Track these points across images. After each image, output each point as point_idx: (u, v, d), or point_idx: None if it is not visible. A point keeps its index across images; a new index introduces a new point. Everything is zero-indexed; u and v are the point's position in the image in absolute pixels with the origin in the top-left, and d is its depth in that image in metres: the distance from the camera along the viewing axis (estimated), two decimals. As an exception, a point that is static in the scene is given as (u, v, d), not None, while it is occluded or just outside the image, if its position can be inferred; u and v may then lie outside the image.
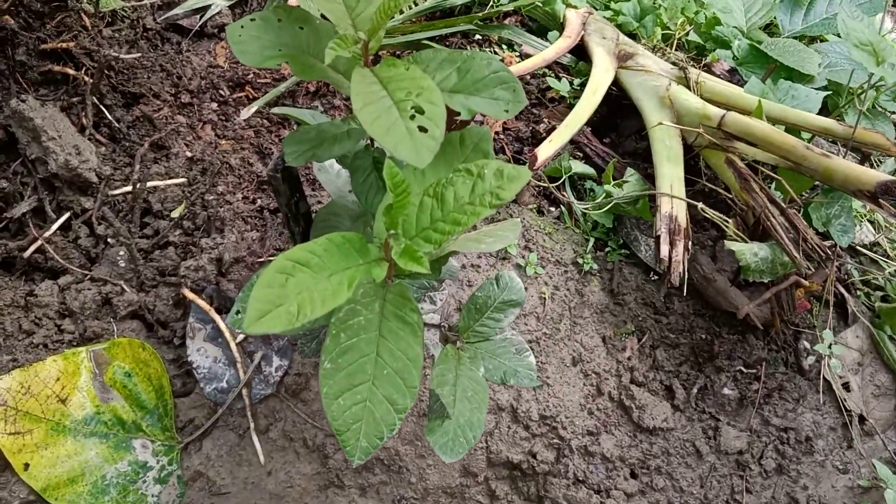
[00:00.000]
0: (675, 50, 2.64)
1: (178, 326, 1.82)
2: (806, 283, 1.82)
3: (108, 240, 1.91)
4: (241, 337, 1.76)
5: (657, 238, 1.76)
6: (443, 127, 0.84)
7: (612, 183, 2.04)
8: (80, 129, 2.00)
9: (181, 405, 1.75)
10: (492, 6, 2.78)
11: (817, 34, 2.77)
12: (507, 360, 1.25)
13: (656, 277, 2.05)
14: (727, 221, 1.82)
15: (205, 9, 2.62)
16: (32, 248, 1.86)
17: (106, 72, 2.05)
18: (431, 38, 2.61)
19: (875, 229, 2.38)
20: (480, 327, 1.24)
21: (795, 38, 2.74)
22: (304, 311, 0.80)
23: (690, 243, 1.76)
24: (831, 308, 2.04)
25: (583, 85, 2.47)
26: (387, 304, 0.96)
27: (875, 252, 2.31)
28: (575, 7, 2.89)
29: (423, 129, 0.83)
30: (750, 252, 1.74)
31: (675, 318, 2.01)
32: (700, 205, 1.83)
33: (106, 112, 2.04)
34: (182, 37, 2.53)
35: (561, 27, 2.84)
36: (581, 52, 2.71)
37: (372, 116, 0.84)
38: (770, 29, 2.92)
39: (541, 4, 2.88)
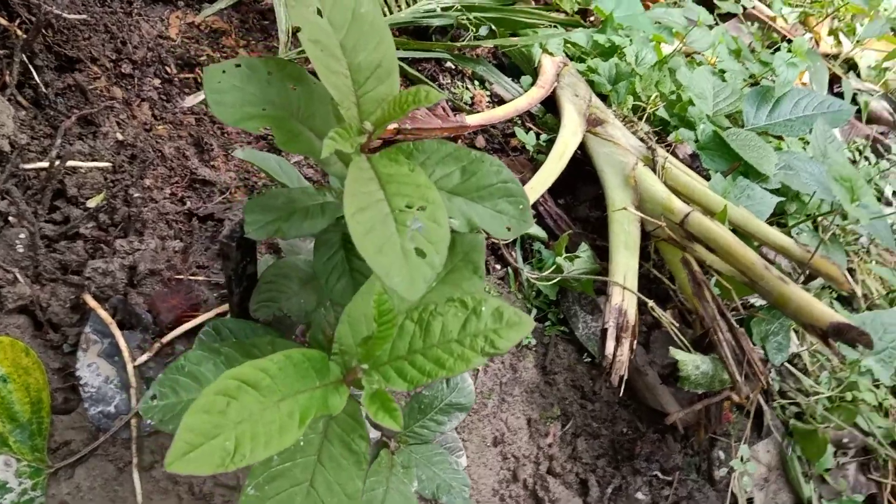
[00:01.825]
0: (643, 121, 2.60)
1: (71, 332, 1.62)
2: (736, 398, 1.79)
3: (9, 218, 1.69)
4: (142, 359, 1.58)
5: (604, 331, 1.69)
6: (444, 254, 0.72)
7: (564, 256, 1.97)
8: (1, 87, 1.76)
9: (58, 423, 1.55)
10: (469, 39, 2.66)
11: (779, 133, 2.79)
12: (441, 471, 1.13)
13: (589, 359, 1.99)
14: (674, 324, 1.77)
15: (165, -29, 2.39)
16: (-85, 212, 1.62)
17: (43, 30, 1.81)
18: (403, 60, 2.47)
19: (799, 341, 2.41)
20: (420, 429, 1.13)
21: (758, 133, 2.75)
22: (241, 450, 0.66)
23: (636, 342, 1.70)
24: (750, 420, 2.03)
25: (549, 142, 2.39)
26: (332, 424, 0.83)
27: (795, 366, 2.34)
28: (551, 54, 2.81)
29: (420, 253, 0.71)
30: (693, 364, 1.70)
31: (600, 406, 1.95)
32: (651, 303, 1.78)
33: (34, 73, 1.80)
34: (133, -3, 2.30)
35: (534, 72, 2.76)
36: (551, 103, 2.63)
37: (364, 227, 0.71)
38: (735, 118, 2.93)
39: (519, 48, 2.80)
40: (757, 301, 2.10)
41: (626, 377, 1.66)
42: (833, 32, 4.55)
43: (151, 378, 1.59)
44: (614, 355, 1.65)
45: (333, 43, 0.78)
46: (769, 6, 4.35)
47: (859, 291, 2.65)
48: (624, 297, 1.76)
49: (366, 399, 0.71)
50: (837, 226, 1.89)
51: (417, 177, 0.76)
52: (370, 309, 0.83)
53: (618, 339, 1.67)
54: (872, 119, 4.04)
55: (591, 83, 2.74)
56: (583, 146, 2.35)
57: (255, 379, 0.70)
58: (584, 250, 2.01)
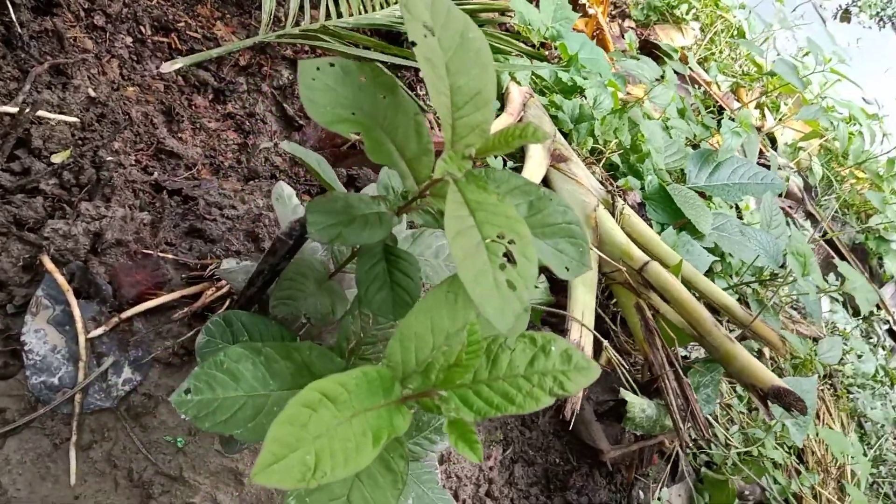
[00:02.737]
0: (600, 165, 2.70)
1: (18, 292, 1.51)
2: (667, 443, 1.88)
3: (-38, 160, 1.56)
4: (96, 332, 1.49)
5: (562, 365, 1.73)
6: (532, 290, 0.73)
7: (523, 284, 2.00)
8: (-31, 17, 1.63)
9: (-7, 389, 1.44)
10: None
11: (716, 195, 2.96)
12: (430, 491, 1.13)
13: (532, 389, 2.03)
14: (624, 366, 1.84)
15: (148, -76, 2.27)
16: None
17: (27, -36, 1.69)
18: (383, 64, 2.45)
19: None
20: (414, 446, 1.12)
21: (697, 191, 2.90)
22: (322, 467, 0.65)
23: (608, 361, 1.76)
24: (669, 465, 2.13)
25: (515, 169, 2.44)
26: (372, 440, 0.82)
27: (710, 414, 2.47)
28: (518, 83, 2.87)
29: (511, 286, 0.72)
30: (640, 407, 1.77)
31: (536, 434, 2.00)
32: (606, 343, 1.84)
33: (10, 9, 1.67)
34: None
35: (501, 98, 2.80)
36: (515, 130, 2.68)
37: (462, 252, 0.71)
38: (676, 175, 3.07)
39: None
40: (692, 352, 2.21)
41: (576, 412, 1.71)
42: (760, 107, 4.87)
43: (104, 353, 1.50)
44: (571, 390, 1.69)
45: (440, 63, 0.78)
46: (706, 71, 4.61)
47: (767, 354, 2.84)
48: (581, 333, 1.81)
49: (447, 427, 0.71)
50: (773, 293, 2.03)
51: (506, 208, 0.77)
52: (423, 328, 0.83)
53: (575, 375, 1.71)
54: (785, 194, 4.34)
55: (554, 118, 2.81)
56: (546, 181, 2.41)
57: (334, 393, 0.68)
58: (541, 281, 2.05)
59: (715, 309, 1.98)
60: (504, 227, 0.75)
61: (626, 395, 1.78)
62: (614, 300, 2.20)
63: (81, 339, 1.48)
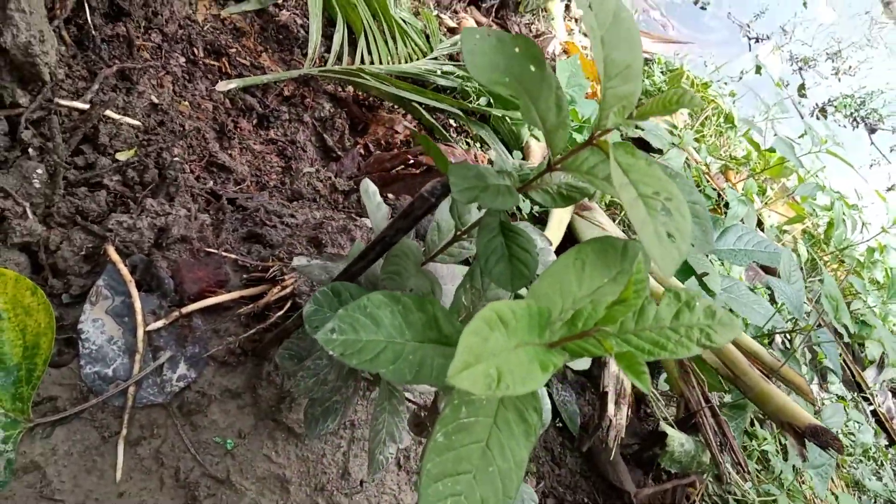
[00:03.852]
0: (619, 216, 2.78)
1: (76, 282, 1.50)
2: (698, 485, 1.88)
3: (29, 150, 1.57)
4: (154, 325, 1.48)
5: (604, 394, 1.75)
6: (689, 245, 0.77)
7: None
8: (50, 17, 1.67)
9: (45, 377, 1.41)
10: (470, 101, 2.79)
11: (723, 259, 3.05)
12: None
13: (560, 424, 2.04)
14: (660, 401, 1.86)
15: (203, -41, 2.37)
16: (-70, 117, 1.47)
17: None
18: (421, 105, 2.54)
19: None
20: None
21: (705, 254, 2.99)
22: (504, 381, 0.67)
23: (630, 410, 1.77)
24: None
25: (542, 213, 2.50)
26: (508, 391, 0.83)
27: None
28: (537, 139, 2.98)
29: (671, 237, 0.76)
30: (678, 441, 1.79)
31: (565, 472, 1.99)
32: (643, 377, 1.87)
33: (87, 12, 1.72)
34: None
35: (521, 150, 2.90)
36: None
37: (627, 201, 0.75)
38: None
39: (509, 122, 2.94)
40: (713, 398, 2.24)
41: (618, 441, 1.72)
42: (747, 192, 5.07)
43: (160, 347, 1.48)
44: (614, 417, 1.71)
45: (597, 36, 0.84)
46: (697, 151, 4.81)
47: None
48: (619, 368, 1.84)
49: (617, 358, 0.73)
50: (803, 337, 2.09)
51: (656, 170, 0.81)
52: (553, 291, 0.86)
53: (617, 403, 1.73)
54: (770, 270, 4.48)
55: (572, 173, 2.91)
56: (570, 226, 2.47)
57: (506, 317, 0.70)
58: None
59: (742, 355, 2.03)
60: (657, 187, 0.80)
61: (666, 428, 1.80)
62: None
63: (140, 331, 1.46)
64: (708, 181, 4.32)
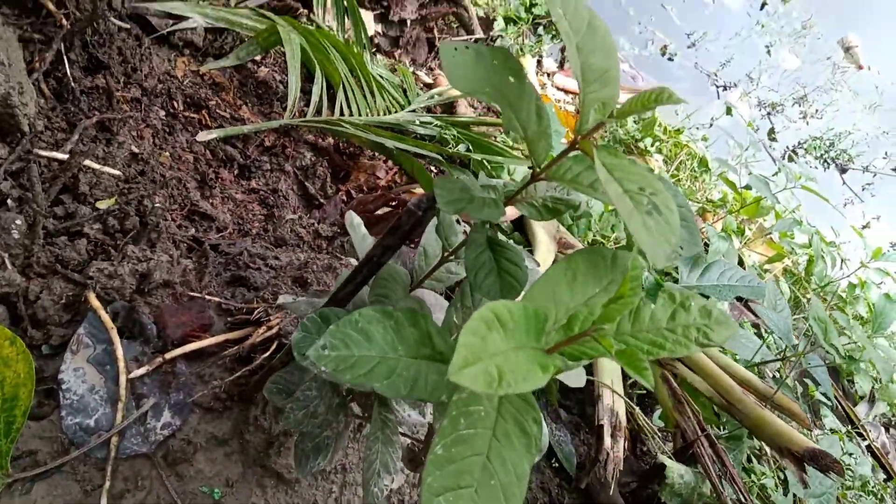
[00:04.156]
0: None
1: (56, 332, 1.46)
2: (698, 518, 1.84)
3: (8, 202, 1.55)
4: (137, 372, 1.44)
5: (599, 427, 1.72)
6: (678, 237, 0.77)
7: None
8: (29, 69, 1.68)
9: (25, 430, 1.36)
10: (449, 147, 2.82)
11: (707, 294, 3.06)
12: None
13: (557, 464, 1.99)
14: (657, 434, 1.83)
15: (180, 18, 2.41)
16: None
17: (91, 24, 1.77)
18: (407, 151, 2.56)
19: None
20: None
21: (688, 289, 2.99)
22: (505, 379, 0.65)
23: (626, 443, 1.74)
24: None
25: (529, 250, 2.50)
26: (505, 402, 0.81)
27: None
28: (516, 181, 3.00)
29: (660, 228, 0.76)
30: (678, 472, 1.75)
31: (564, 512, 1.94)
32: (637, 410, 1.84)
33: (67, 66, 1.73)
34: (144, 33, 2.27)
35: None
36: (519, 223, 2.78)
37: (614, 196, 0.75)
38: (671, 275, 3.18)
39: (489, 166, 2.97)
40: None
41: (616, 476, 1.68)
42: (726, 229, 5.12)
43: (144, 395, 1.44)
44: (611, 450, 1.67)
45: (572, 43, 0.85)
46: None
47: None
48: (614, 399, 1.81)
49: (617, 355, 0.71)
50: (794, 369, 2.08)
51: (640, 168, 0.81)
52: (546, 300, 0.85)
53: (613, 436, 1.70)
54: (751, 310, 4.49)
55: (554, 214, 2.93)
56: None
57: (504, 318, 0.69)
58: (564, 355, 2.06)
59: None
60: (642, 183, 0.80)
61: (665, 460, 1.76)
62: (631, 380, 2.21)
63: (122, 378, 1.42)
64: (687, 223, 4.37)
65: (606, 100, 0.86)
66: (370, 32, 3.62)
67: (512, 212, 2.74)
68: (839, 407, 4.11)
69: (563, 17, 0.85)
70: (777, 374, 2.68)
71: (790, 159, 6.95)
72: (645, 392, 2.18)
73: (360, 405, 1.21)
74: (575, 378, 1.02)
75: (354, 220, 1.29)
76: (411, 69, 3.85)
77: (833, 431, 3.36)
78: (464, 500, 0.74)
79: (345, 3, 2.98)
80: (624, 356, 0.70)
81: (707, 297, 3.16)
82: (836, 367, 4.81)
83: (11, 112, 1.55)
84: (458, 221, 1.11)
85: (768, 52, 7.37)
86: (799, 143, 7.05)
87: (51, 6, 1.69)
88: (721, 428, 2.12)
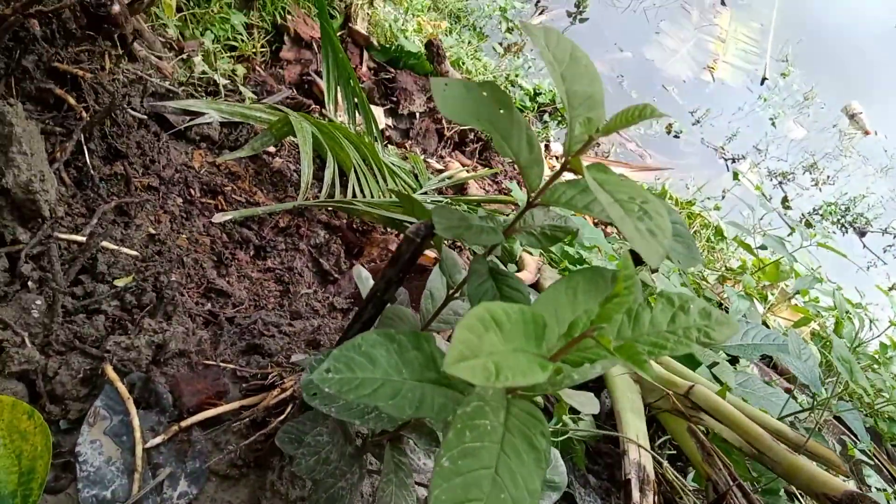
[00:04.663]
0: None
1: (74, 407, 1.47)
2: (740, 579, 1.75)
3: (29, 283, 1.60)
4: (153, 441, 1.43)
5: (626, 481, 1.67)
6: (670, 240, 0.78)
7: (569, 416, 1.98)
8: (50, 159, 1.76)
9: (42, 503, 1.35)
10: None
11: (734, 354, 3.01)
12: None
13: (587, 530, 1.93)
14: (687, 490, 1.77)
15: (197, 114, 2.52)
16: (-68, 257, 1.51)
17: (109, 115, 1.86)
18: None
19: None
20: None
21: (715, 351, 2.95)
22: (504, 374, 0.65)
23: (656, 498, 1.68)
24: None
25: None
26: (511, 417, 0.81)
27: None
28: (530, 253, 3.03)
29: (651, 233, 0.77)
30: (712, 526, 1.68)
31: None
32: (665, 463, 1.79)
33: (87, 155, 1.81)
34: (162, 129, 2.37)
35: (516, 264, 2.95)
36: (534, 289, 2.79)
37: (606, 203, 0.77)
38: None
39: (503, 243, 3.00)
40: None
41: (647, 531, 1.62)
42: (746, 288, 5.06)
43: (160, 464, 1.43)
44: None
45: (557, 73, 0.89)
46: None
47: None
48: (640, 453, 1.77)
49: (616, 351, 0.71)
50: (824, 411, 2.02)
51: (630, 183, 0.84)
52: (549, 314, 0.86)
53: (642, 490, 1.65)
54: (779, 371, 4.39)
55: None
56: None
57: (500, 318, 0.70)
58: (585, 414, 2.03)
59: (764, 435, 1.95)
60: (633, 194, 0.82)
61: (696, 512, 1.70)
62: (659, 440, 2.16)
63: (139, 448, 1.42)
64: (706, 289, 4.34)
65: (592, 117, 0.89)
66: (381, 125, 3.76)
67: (528, 277, 2.76)
68: (883, 469, 3.95)
69: (546, 49, 0.89)
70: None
71: (808, 225, 6.93)
72: (674, 452, 2.12)
73: (375, 455, 1.20)
74: (588, 404, 1.01)
75: (362, 273, 1.31)
76: (422, 157, 3.96)
77: (879, 490, 3.22)
78: (474, 514, 0.73)
79: (355, 100, 3.10)
80: (622, 351, 0.70)
81: (736, 359, 3.12)
82: (876, 430, 4.65)
83: (33, 198, 1.62)
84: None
85: (773, 123, 7.49)
86: (814, 210, 7.05)
87: (71, 100, 1.79)
88: (755, 484, 2.04)
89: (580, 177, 0.92)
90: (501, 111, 0.93)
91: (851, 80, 8.25)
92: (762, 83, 7.71)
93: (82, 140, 1.80)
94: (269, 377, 1.53)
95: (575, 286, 0.90)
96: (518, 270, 2.83)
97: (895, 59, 8.63)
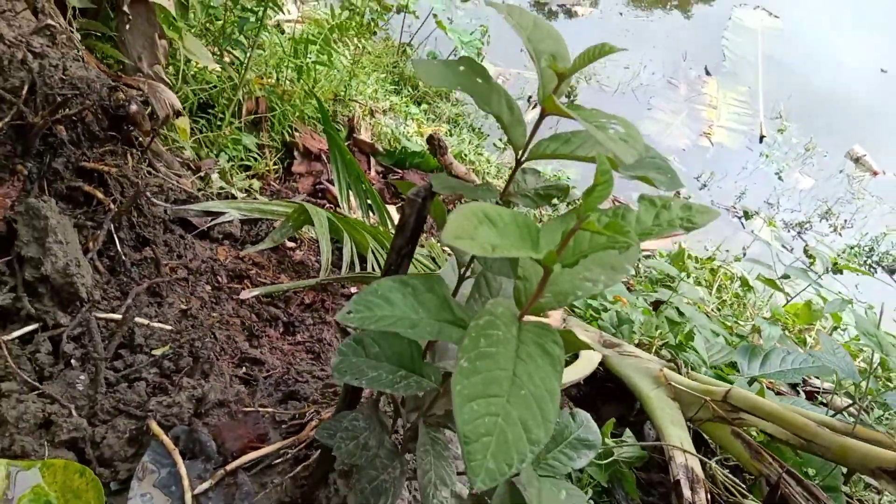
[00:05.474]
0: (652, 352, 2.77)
1: (122, 468, 1.52)
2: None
3: (72, 361, 1.68)
4: (201, 488, 1.46)
5: (676, 483, 1.65)
6: (643, 144, 0.85)
7: (613, 440, 1.97)
8: (84, 250, 1.88)
9: (97, 559, 1.37)
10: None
11: (773, 379, 2.97)
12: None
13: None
14: (740, 486, 1.74)
15: (218, 214, 2.67)
16: (-19, 346, 1.61)
17: (133, 206, 2.00)
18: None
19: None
20: (553, 461, 1.09)
21: (753, 379, 2.92)
22: (499, 250, 0.71)
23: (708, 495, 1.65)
24: None
25: (572, 357, 2.51)
26: (523, 330, 0.86)
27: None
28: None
29: (623, 140, 0.85)
30: (771, 516, 1.64)
31: None
32: (712, 462, 1.77)
33: (117, 244, 1.94)
34: (186, 231, 2.51)
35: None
36: (564, 341, 2.81)
37: (584, 125, 0.85)
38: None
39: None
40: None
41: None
42: (774, 314, 4.97)
43: (209, 509, 1.45)
44: (693, 502, 1.59)
45: (524, 36, 1.00)
46: (721, 316, 4.82)
47: None
48: (686, 457, 1.75)
49: (604, 228, 0.76)
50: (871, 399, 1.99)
51: (604, 113, 0.92)
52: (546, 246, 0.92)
53: (692, 489, 1.63)
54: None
55: (592, 321, 2.97)
56: (604, 364, 2.47)
57: (493, 216, 0.76)
58: (628, 435, 2.02)
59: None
60: (604, 119, 0.90)
61: (753, 504, 1.66)
62: (704, 448, 2.13)
63: (188, 496, 1.45)
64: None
65: (555, 54, 0.99)
66: (395, 220, 3.89)
67: (555, 323, 2.78)
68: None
69: (510, 18, 1.00)
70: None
71: (835, 272, 6.88)
72: (721, 458, 2.08)
73: (412, 451, 1.22)
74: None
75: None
76: (438, 244, 4.08)
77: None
78: (496, 408, 0.77)
79: (368, 200, 3.24)
80: (610, 227, 0.76)
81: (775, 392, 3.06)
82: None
83: (71, 281, 1.73)
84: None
85: (780, 177, 7.60)
86: (839, 255, 7.03)
87: (99, 195, 1.94)
88: (811, 479, 1.98)
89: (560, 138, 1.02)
90: (479, 80, 1.03)
91: (848, 125, 8.41)
92: (761, 141, 7.89)
93: (112, 230, 1.92)
94: (307, 416, 1.57)
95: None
96: (544, 323, 2.87)
97: (888, 99, 8.82)
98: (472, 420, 0.75)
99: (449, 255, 3.91)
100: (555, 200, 1.04)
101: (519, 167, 1.05)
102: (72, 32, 2.10)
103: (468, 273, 1.17)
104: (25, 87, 1.77)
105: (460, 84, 1.01)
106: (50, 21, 1.88)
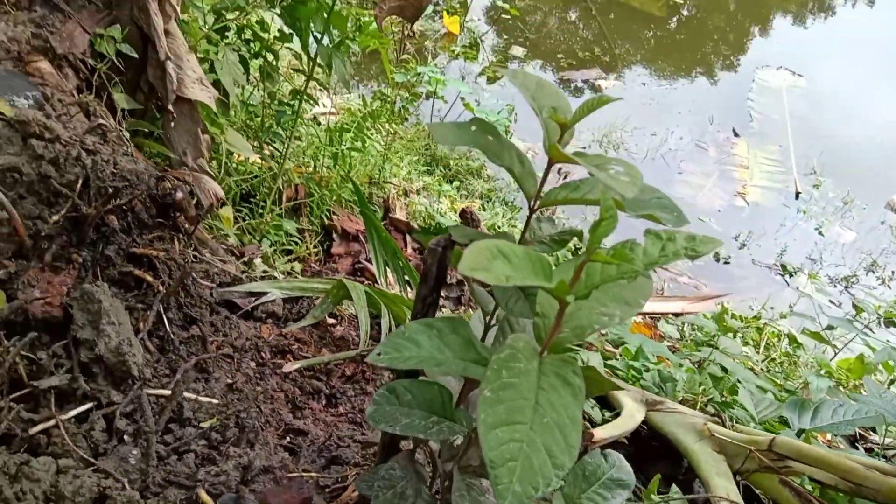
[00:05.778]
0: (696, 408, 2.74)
1: (174, 538, 1.56)
2: None
3: (125, 437, 1.75)
4: (249, 553, 1.50)
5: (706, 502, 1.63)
6: (642, 182, 0.91)
7: (659, 497, 1.95)
8: (135, 330, 1.98)
9: None
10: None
11: (825, 432, 2.90)
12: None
13: None
14: (792, 534, 1.70)
15: (260, 294, 2.78)
16: (42, 425, 1.69)
17: (181, 287, 2.11)
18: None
19: None
20: (587, 501, 1.11)
21: (801, 431, 2.85)
22: (514, 280, 0.77)
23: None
24: None
25: (615, 414, 2.50)
26: (544, 362, 0.90)
27: None
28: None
29: (623, 177, 0.91)
30: (826, 562, 1.60)
31: None
32: (762, 511, 1.74)
33: (166, 323, 2.03)
34: (231, 312, 2.62)
35: (584, 384, 2.98)
36: (603, 401, 2.80)
37: (589, 168, 0.92)
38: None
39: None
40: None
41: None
42: (821, 365, 4.80)
43: (258, 573, 1.48)
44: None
45: (528, 95, 1.08)
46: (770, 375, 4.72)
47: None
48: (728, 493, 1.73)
49: (611, 256, 0.81)
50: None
51: (609, 158, 0.99)
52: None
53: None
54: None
55: (635, 380, 2.97)
56: (647, 422, 2.46)
57: (505, 251, 0.82)
58: (675, 491, 2.00)
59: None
60: (613, 163, 0.97)
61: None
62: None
63: (236, 561, 1.48)
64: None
65: (557, 107, 1.06)
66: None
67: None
68: None
69: (515, 79, 1.09)
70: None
71: (888, 325, 6.71)
72: None
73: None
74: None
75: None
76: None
77: None
78: (520, 434, 0.81)
79: (405, 276, 3.33)
80: (617, 255, 0.82)
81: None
82: None
83: (123, 359, 1.82)
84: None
85: (820, 232, 7.52)
86: (890, 307, 6.86)
87: (149, 278, 2.05)
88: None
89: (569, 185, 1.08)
90: (490, 138, 1.11)
91: (884, 176, 8.34)
92: (797, 197, 7.84)
93: (161, 310, 2.02)
94: (349, 478, 1.61)
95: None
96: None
97: (921, 146, 8.76)
98: (497, 446, 0.79)
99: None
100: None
101: (532, 214, 1.12)
102: (121, 131, 2.27)
103: (493, 321, 1.23)
104: (80, 182, 1.91)
105: (472, 142, 1.09)
106: (101, 121, 2.04)
